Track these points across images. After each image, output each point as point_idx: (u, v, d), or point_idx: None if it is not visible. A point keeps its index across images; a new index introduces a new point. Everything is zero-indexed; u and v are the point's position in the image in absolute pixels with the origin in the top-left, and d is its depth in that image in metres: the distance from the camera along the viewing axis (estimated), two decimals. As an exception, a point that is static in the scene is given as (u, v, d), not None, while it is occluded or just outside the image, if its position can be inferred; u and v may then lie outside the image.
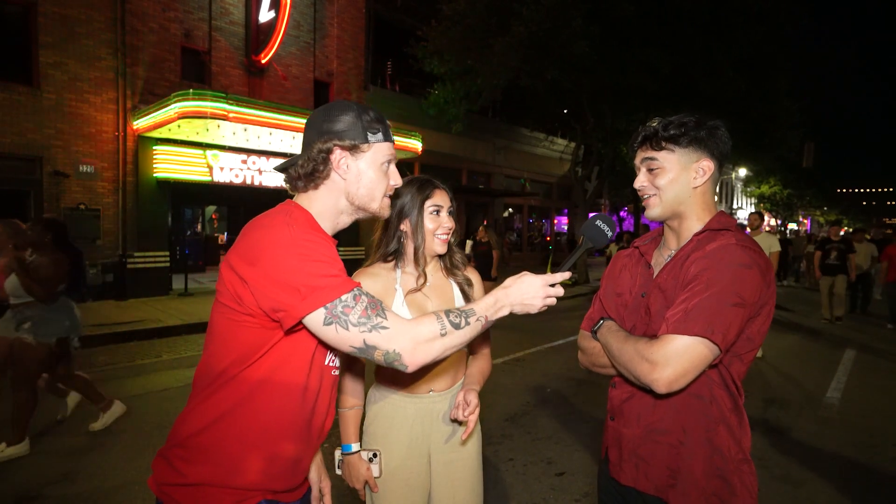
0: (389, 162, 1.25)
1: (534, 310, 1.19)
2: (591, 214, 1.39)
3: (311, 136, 1.20)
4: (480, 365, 1.74)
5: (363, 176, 1.21)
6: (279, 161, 1.28)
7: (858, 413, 4.61)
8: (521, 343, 6.90)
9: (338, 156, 1.18)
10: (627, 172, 18.87)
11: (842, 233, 8.80)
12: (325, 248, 1.09)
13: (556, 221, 22.80)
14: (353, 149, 1.18)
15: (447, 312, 1.12)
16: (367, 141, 1.19)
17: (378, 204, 1.24)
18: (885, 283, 8.86)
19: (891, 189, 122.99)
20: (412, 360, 1.07)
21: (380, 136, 1.21)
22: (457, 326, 1.11)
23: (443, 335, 1.09)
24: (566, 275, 1.23)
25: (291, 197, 1.25)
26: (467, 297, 1.67)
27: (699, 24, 11.98)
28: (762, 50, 13.64)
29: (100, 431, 3.86)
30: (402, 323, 1.08)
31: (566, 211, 22.80)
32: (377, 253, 1.65)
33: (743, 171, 32.52)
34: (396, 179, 1.27)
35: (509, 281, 1.20)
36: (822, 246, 9.15)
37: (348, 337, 1.05)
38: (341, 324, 1.04)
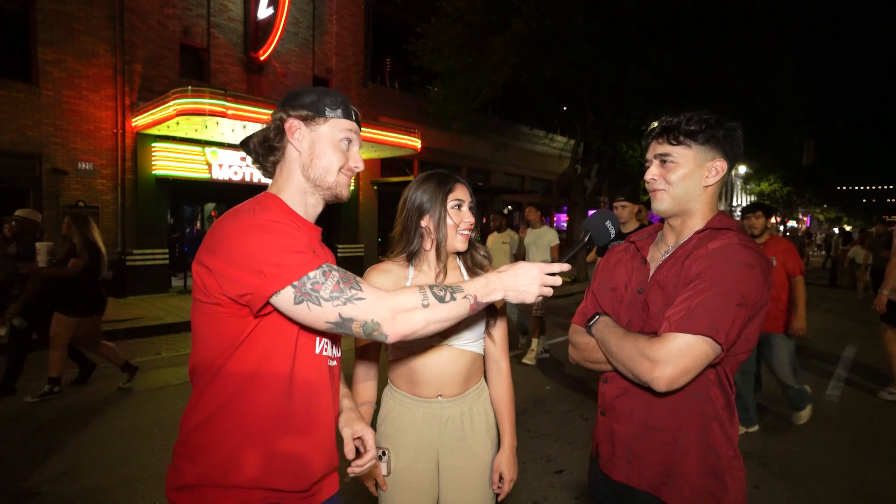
0: (349, 141, 1.22)
1: (530, 298, 1.15)
2: (597, 211, 1.32)
3: (274, 114, 1.22)
4: (503, 393, 1.71)
5: (316, 147, 1.18)
6: None
7: (858, 410, 4.61)
8: (520, 340, 6.88)
9: (292, 124, 1.17)
10: (627, 170, 18.84)
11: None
12: (289, 226, 1.06)
13: (555, 219, 22.77)
14: (307, 118, 1.17)
15: (431, 286, 1.08)
16: (324, 115, 1.18)
17: (334, 178, 1.20)
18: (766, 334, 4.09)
19: (891, 186, 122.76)
20: (392, 330, 1.04)
21: (339, 112, 1.20)
22: (440, 300, 1.07)
23: (425, 306, 1.06)
24: (566, 266, 1.20)
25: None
26: None
27: (700, 21, 11.94)
28: (762, 47, 13.59)
29: (99, 427, 3.87)
30: (378, 293, 1.05)
31: (565, 208, 22.77)
32: (396, 250, 1.59)
33: (743, 169, 32.52)
34: (356, 161, 1.23)
35: (505, 266, 1.18)
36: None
37: (322, 313, 1.02)
38: (313, 300, 1.01)
